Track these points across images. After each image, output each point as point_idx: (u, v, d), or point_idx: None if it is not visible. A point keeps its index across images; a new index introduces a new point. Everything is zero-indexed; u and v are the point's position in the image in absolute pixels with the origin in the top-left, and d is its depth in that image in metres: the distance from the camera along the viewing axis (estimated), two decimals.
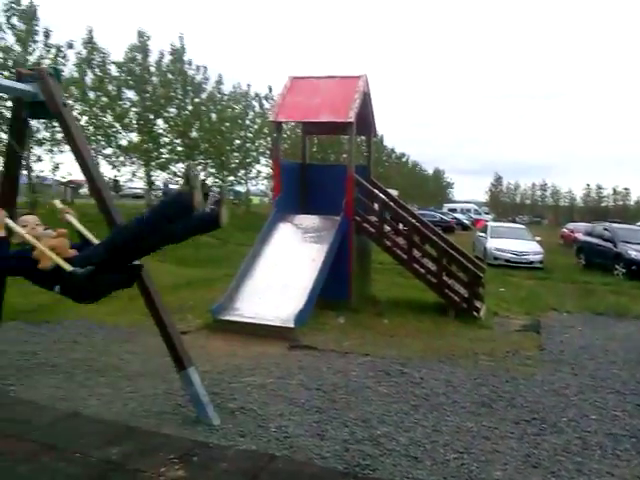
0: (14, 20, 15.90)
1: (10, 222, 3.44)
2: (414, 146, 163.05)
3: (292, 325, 6.82)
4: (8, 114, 13.17)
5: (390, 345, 6.75)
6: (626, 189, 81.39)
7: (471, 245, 19.07)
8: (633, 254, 15.11)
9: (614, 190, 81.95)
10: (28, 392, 4.67)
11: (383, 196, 9.41)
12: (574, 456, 3.98)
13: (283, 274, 7.82)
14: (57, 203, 4.07)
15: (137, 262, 3.56)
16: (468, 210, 48.86)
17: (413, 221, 9.11)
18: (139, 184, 23.24)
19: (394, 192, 19.79)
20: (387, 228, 8.94)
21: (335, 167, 11.82)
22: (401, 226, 9.05)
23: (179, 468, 3.50)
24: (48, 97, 4.04)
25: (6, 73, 14.96)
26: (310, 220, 9.05)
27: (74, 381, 5.03)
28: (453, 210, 46.85)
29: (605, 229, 17.73)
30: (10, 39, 15.76)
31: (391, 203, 9.30)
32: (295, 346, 6.53)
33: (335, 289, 8.23)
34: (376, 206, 9.01)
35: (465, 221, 41.41)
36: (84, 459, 3.60)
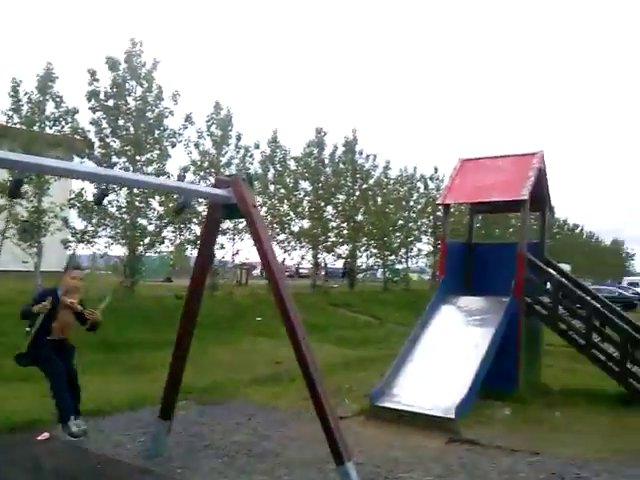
0: (213, 128, 17.89)
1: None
2: (590, 216, 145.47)
3: (453, 416, 6.06)
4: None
5: (564, 442, 5.67)
6: None
7: None
8: None
9: None
10: (192, 475, 4.51)
11: (558, 275, 8.38)
12: None
13: (444, 360, 7.12)
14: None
15: None
16: None
17: (593, 302, 7.93)
18: (306, 264, 24.02)
19: (566, 267, 17.72)
20: (561, 310, 7.89)
21: (504, 246, 10.86)
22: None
23: None
24: (240, 200, 4.24)
25: (202, 173, 16.75)
26: (475, 302, 8.29)
27: (234, 466, 4.81)
28: (634, 284, 41.21)
29: None
30: (208, 144, 17.74)
31: (568, 283, 8.22)
32: (455, 440, 5.72)
33: (501, 377, 7.25)
34: (549, 285, 8.05)
35: None
36: None
